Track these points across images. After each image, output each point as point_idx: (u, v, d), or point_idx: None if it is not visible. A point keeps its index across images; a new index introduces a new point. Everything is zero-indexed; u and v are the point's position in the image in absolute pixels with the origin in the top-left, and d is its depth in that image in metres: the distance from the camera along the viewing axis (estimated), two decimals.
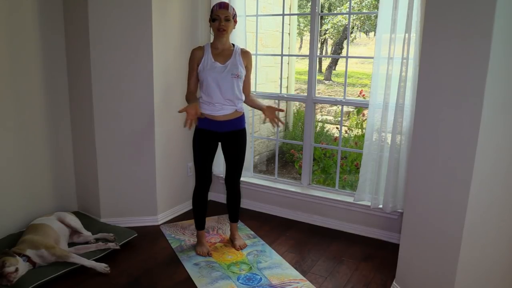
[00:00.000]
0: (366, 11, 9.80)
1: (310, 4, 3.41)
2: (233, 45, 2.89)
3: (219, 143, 2.95)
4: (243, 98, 2.90)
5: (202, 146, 2.88)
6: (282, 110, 2.98)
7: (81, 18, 3.10)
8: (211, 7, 2.92)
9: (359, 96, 5.75)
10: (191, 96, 2.85)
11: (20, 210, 3.09)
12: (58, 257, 2.65)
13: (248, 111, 3.61)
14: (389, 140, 3.09)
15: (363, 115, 5.59)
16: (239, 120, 2.90)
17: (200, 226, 3.07)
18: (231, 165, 2.98)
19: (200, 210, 3.03)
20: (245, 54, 2.87)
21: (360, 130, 5.56)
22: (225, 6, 2.75)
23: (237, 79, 2.79)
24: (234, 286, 2.62)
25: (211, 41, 2.90)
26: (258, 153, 5.54)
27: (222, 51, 2.82)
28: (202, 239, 3.08)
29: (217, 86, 2.76)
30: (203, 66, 2.78)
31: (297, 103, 7.02)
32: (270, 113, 2.83)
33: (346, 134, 6.25)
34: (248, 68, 2.90)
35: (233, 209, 3.13)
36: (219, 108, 2.80)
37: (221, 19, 2.73)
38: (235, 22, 2.83)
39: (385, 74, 2.99)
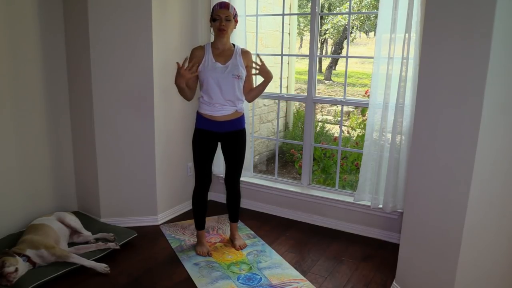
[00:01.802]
0: (366, 11, 9.80)
1: (310, 4, 3.41)
2: (234, 45, 2.88)
3: (219, 143, 2.95)
4: (243, 98, 2.90)
5: (202, 146, 2.88)
6: (258, 64, 2.88)
7: (81, 18, 3.10)
8: (212, 6, 2.91)
9: (364, 96, 5.74)
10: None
11: (20, 210, 3.09)
12: (58, 257, 2.65)
13: (248, 111, 3.61)
14: (389, 140, 3.09)
15: (365, 115, 5.59)
16: (239, 121, 2.90)
17: (200, 226, 3.07)
18: (230, 165, 2.98)
19: (200, 210, 3.03)
20: (246, 54, 2.87)
21: (364, 130, 5.56)
22: (225, 6, 2.74)
23: (238, 79, 2.78)
24: (234, 286, 2.62)
25: (211, 40, 2.90)
26: (258, 153, 5.54)
27: (223, 51, 2.81)
28: (202, 239, 3.08)
29: (218, 86, 2.75)
30: (204, 66, 2.77)
31: (297, 103, 7.02)
32: (261, 69, 2.84)
33: (348, 134, 6.26)
34: (249, 68, 2.89)
35: (233, 209, 3.12)
36: (219, 108, 2.80)
37: (222, 19, 2.72)
38: (236, 22, 2.82)
39: (385, 74, 2.99)
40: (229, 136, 2.88)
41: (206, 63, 2.77)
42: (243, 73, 2.82)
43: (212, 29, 2.81)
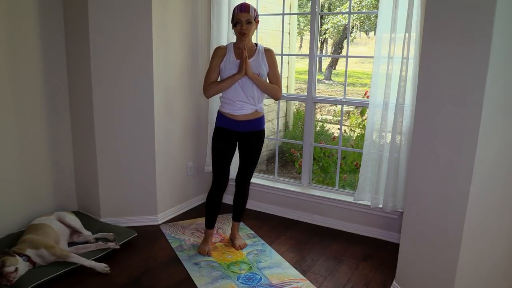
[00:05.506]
0: (366, 11, 9.80)
1: (310, 3, 3.41)
2: (256, 44, 2.85)
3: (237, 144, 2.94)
4: (263, 97, 2.88)
5: (221, 145, 2.86)
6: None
7: (81, 17, 3.10)
8: (232, 9, 2.85)
9: (363, 97, 5.72)
10: (214, 82, 2.79)
11: (20, 210, 3.09)
12: (58, 257, 2.65)
13: None
14: (389, 140, 3.09)
15: (365, 115, 5.58)
16: (259, 121, 2.88)
17: (210, 225, 3.05)
18: (244, 165, 2.97)
19: (213, 210, 3.01)
20: (268, 52, 2.83)
21: (362, 130, 5.55)
22: (245, 9, 2.70)
23: (259, 77, 2.76)
24: (234, 286, 2.62)
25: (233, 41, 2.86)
26: None
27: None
28: (208, 238, 3.07)
29: (239, 84, 2.74)
30: (225, 64, 2.76)
31: (297, 102, 7.03)
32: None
33: (346, 134, 6.26)
34: (271, 66, 2.83)
35: (238, 209, 3.12)
36: (239, 107, 2.78)
37: (243, 22, 2.68)
38: (257, 22, 2.79)
39: (385, 73, 2.99)
40: (248, 136, 2.86)
41: (227, 61, 2.76)
42: (265, 71, 2.80)
43: (234, 31, 2.78)
